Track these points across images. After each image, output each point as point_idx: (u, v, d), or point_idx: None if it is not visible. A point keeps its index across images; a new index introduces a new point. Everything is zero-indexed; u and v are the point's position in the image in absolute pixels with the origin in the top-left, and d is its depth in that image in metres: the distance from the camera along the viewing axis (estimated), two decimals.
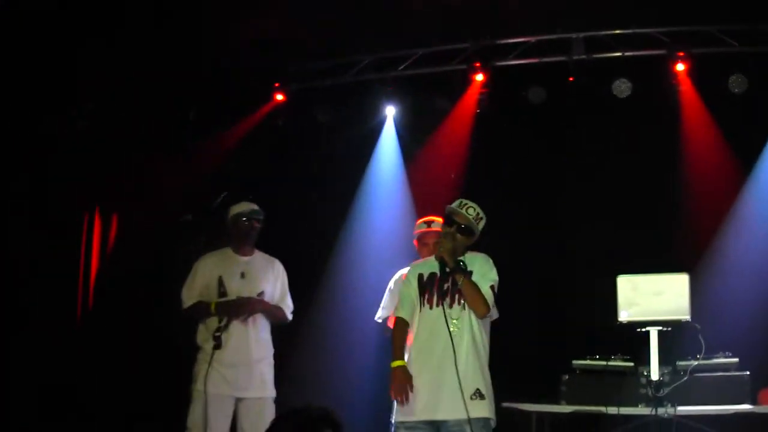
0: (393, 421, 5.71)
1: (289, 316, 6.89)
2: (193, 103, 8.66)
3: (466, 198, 5.51)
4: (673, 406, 6.66)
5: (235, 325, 6.55)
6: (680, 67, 8.14)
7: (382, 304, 6.69)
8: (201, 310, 6.64)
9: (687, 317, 6.91)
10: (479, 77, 8.48)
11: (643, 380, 6.87)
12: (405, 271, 6.12)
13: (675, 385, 6.80)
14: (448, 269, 5.38)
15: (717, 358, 6.96)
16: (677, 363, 6.94)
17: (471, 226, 5.46)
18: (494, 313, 5.51)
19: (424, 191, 8.52)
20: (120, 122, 8.48)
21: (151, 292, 8.09)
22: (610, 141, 8.24)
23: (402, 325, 5.52)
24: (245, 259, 6.78)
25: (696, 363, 6.87)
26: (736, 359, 6.97)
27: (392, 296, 6.51)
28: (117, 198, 8.87)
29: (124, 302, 8.44)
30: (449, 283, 5.42)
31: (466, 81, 8.56)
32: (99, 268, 8.76)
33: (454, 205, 5.53)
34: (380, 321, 6.67)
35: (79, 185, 8.36)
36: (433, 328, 5.39)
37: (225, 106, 8.70)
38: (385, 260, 7.97)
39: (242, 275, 6.69)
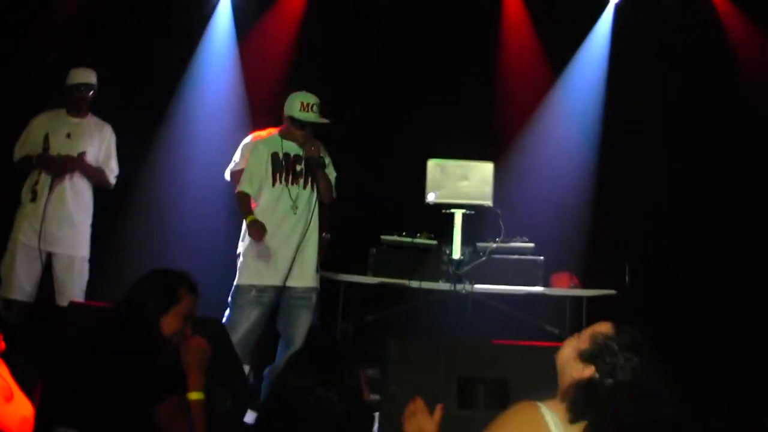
0: (240, 284, 6.10)
1: (112, 180, 7.07)
2: None
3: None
4: (471, 283, 7.01)
5: (54, 182, 6.68)
6: None
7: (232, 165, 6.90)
8: (25, 163, 6.81)
9: (489, 203, 7.23)
10: None
11: (445, 258, 7.18)
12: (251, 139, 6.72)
13: (474, 264, 7.16)
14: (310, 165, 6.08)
15: (514, 242, 7.32)
16: (477, 244, 7.28)
17: (318, 123, 6.16)
18: None
19: (256, 72, 8.60)
20: None
21: None
22: (434, 31, 8.40)
23: (248, 198, 6.15)
24: (75, 120, 6.97)
25: (495, 245, 7.23)
26: (532, 244, 7.34)
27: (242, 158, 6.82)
28: None
29: None
30: (302, 166, 6.12)
31: None
32: None
33: (297, 107, 6.12)
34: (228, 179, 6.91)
35: None
36: (287, 204, 6.08)
37: None
38: (216, 132, 8.12)
39: (68, 135, 6.88)
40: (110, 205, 7.44)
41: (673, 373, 3.07)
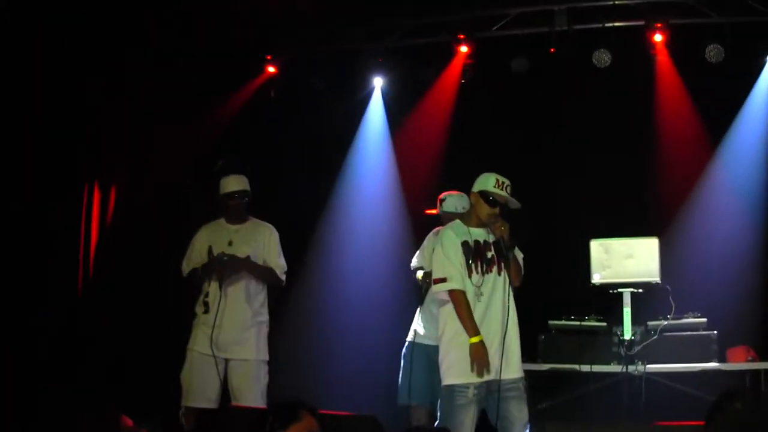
0: (454, 383, 5.76)
1: (282, 277, 7.11)
2: (191, 76, 8.81)
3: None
4: (644, 363, 6.96)
5: (224, 289, 6.83)
6: (658, 37, 8.29)
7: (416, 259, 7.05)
8: (194, 276, 7.00)
9: (657, 279, 7.20)
10: (464, 48, 8.65)
11: (616, 339, 7.16)
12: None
13: (645, 343, 7.11)
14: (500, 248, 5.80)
15: (686, 318, 7.25)
16: (648, 323, 7.24)
17: (508, 204, 5.87)
18: None
19: (409, 159, 8.83)
20: (119, 95, 8.67)
21: (151, 260, 8.31)
22: (588, 110, 8.45)
23: (465, 297, 5.74)
24: (235, 227, 7.08)
25: (666, 323, 7.18)
26: (704, 319, 7.25)
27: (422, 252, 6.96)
28: (115, 170, 9.09)
29: (123, 272, 8.66)
30: (492, 251, 5.84)
31: (451, 52, 8.73)
32: (99, 239, 8.96)
33: (491, 183, 5.83)
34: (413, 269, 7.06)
35: (79, 157, 8.55)
36: (487, 294, 5.77)
37: (220, 79, 8.88)
38: (371, 226, 8.35)
39: (230, 243, 6.99)
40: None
41: None
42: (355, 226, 8.77)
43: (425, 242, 7.05)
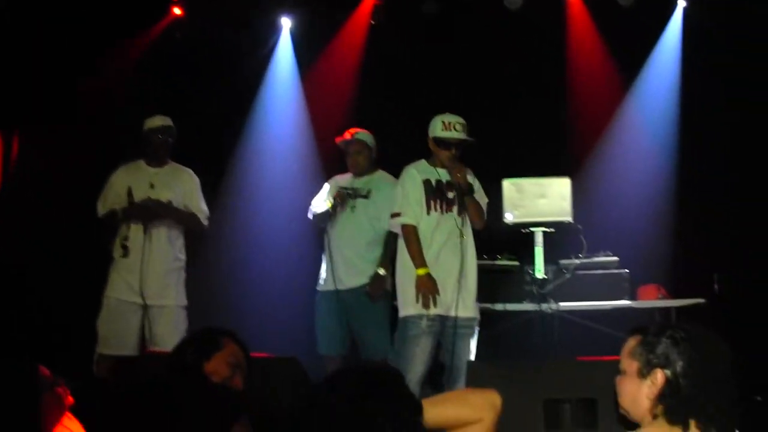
0: (408, 314, 5.89)
1: (205, 222, 6.98)
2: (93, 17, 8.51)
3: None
4: (556, 302, 6.95)
5: (142, 234, 6.65)
6: None
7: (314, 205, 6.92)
8: (111, 217, 6.77)
9: (569, 219, 7.15)
10: None
11: (529, 278, 7.12)
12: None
13: (558, 282, 7.09)
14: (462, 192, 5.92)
15: (598, 257, 7.27)
16: (560, 262, 7.23)
17: (466, 143, 6.04)
18: None
19: (319, 100, 8.66)
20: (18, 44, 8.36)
21: (58, 206, 8.03)
22: (500, 52, 8.33)
23: (415, 230, 5.94)
24: (155, 170, 6.89)
25: (578, 262, 7.17)
26: (616, 258, 7.28)
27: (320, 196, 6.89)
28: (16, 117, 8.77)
29: (30, 218, 8.36)
30: (454, 192, 5.98)
31: None
32: (2, 185, 8.67)
33: (439, 127, 5.99)
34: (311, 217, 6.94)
35: None
36: (443, 234, 5.94)
37: (125, 21, 8.59)
38: (283, 168, 8.18)
39: (151, 185, 6.79)
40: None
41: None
42: (266, 168, 8.55)
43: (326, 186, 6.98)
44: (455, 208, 5.98)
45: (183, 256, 6.88)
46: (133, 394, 3.46)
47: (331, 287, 6.71)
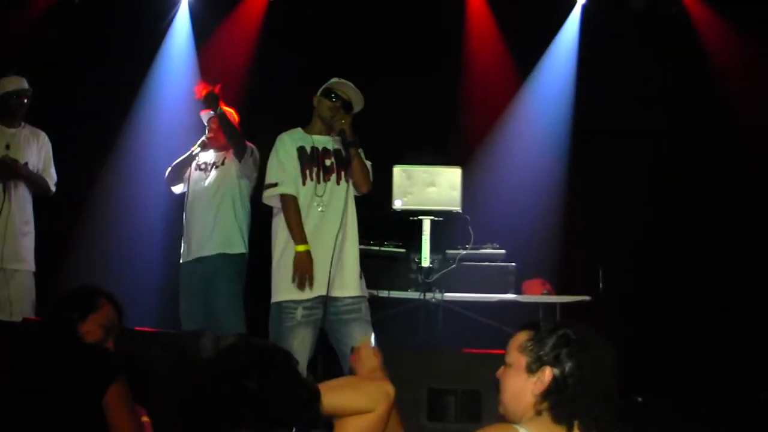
0: (279, 301, 5.35)
1: (53, 188, 6.86)
2: None
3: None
4: (441, 291, 6.88)
5: (2, 194, 6.52)
6: None
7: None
8: None
9: (458, 209, 7.13)
10: None
11: (414, 266, 7.06)
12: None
13: (444, 271, 7.03)
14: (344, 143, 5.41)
15: (485, 248, 7.21)
16: (447, 251, 7.15)
17: (351, 101, 5.57)
18: None
19: (215, 74, 8.39)
20: None
21: None
22: (396, 35, 8.21)
23: (295, 201, 5.36)
24: (11, 131, 6.78)
25: (465, 252, 7.11)
26: (503, 251, 7.24)
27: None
28: None
29: None
30: (332, 159, 5.46)
31: None
32: None
33: (333, 80, 5.55)
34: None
35: None
36: (320, 204, 5.38)
37: None
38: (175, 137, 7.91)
39: (7, 146, 6.68)
40: (62, 218, 7.36)
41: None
42: (156, 139, 8.27)
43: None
44: (333, 176, 5.45)
45: (32, 221, 6.76)
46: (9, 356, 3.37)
47: (185, 258, 6.57)
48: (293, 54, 8.21)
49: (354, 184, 5.47)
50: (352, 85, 5.59)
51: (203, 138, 6.65)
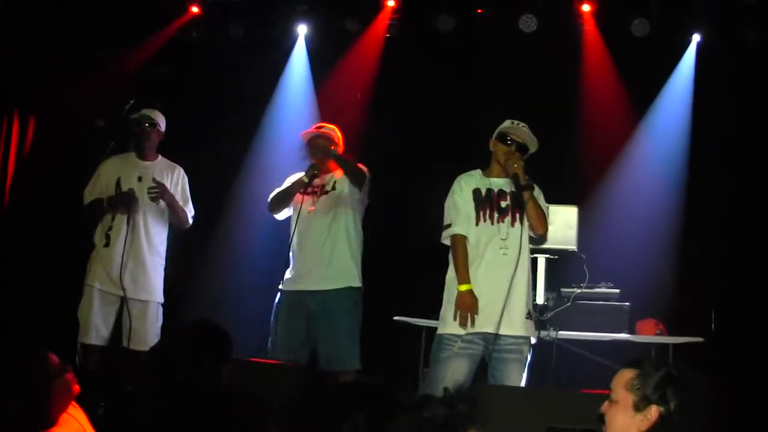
0: (441, 333, 5.62)
1: (190, 221, 6.95)
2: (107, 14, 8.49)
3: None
4: (556, 329, 6.86)
5: (125, 224, 6.67)
6: (586, 7, 8.28)
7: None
8: (96, 206, 6.78)
9: (574, 247, 7.13)
10: (390, 2, 8.48)
11: None
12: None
13: (558, 309, 7.03)
14: (517, 186, 5.56)
15: (599, 287, 7.19)
16: (562, 290, 7.16)
17: (526, 144, 5.70)
18: None
19: (332, 112, 8.56)
20: (38, 29, 8.31)
21: (63, 196, 7.99)
22: (512, 74, 8.34)
23: (464, 242, 5.59)
24: (146, 163, 6.91)
25: (579, 291, 7.11)
26: (617, 290, 7.20)
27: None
28: (35, 102, 8.78)
29: (38, 205, 8.45)
30: (508, 201, 5.62)
31: (378, 5, 8.53)
32: (15, 170, 8.68)
33: (507, 124, 5.72)
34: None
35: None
36: (495, 245, 5.55)
37: (140, 18, 8.56)
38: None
39: (139, 178, 6.81)
40: (185, 252, 7.54)
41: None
42: (275, 179, 8.48)
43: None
44: (508, 218, 5.62)
45: (164, 251, 6.89)
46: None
47: (290, 287, 6.56)
48: (411, 90, 8.37)
49: (530, 227, 5.62)
50: (526, 127, 5.72)
51: (314, 169, 6.54)
